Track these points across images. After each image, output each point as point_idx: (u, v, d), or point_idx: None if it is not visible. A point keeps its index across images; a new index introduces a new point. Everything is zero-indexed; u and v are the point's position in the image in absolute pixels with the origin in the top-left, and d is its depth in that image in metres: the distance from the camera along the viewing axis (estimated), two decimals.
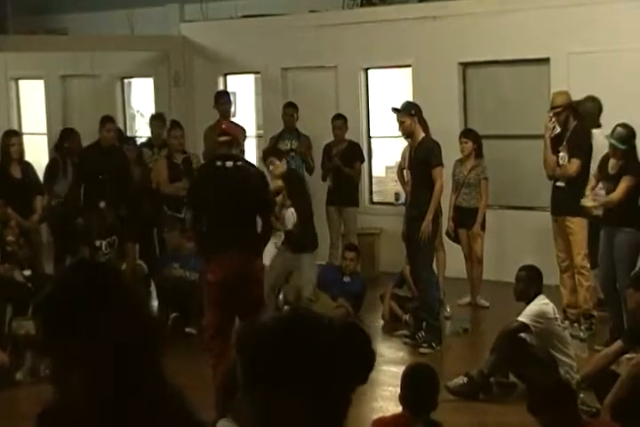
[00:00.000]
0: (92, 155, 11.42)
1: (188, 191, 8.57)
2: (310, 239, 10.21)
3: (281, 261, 10.17)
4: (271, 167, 9.94)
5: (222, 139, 7.92)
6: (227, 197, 7.59)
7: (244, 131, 12.13)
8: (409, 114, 9.44)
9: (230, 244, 7.51)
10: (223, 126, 8.43)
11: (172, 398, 2.34)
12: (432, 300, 9.62)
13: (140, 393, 2.25)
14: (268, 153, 10.50)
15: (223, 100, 12.61)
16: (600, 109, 10.08)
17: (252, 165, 8.37)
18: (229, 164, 7.71)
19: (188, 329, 10.07)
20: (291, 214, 9.91)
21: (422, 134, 9.51)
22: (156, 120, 12.80)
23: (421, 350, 9.41)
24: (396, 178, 11.99)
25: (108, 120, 11.58)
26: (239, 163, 7.82)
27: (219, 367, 7.38)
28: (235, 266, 7.49)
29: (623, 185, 9.04)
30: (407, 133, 9.63)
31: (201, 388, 7.96)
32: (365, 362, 2.09)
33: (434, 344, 9.46)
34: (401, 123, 9.53)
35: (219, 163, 7.78)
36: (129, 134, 15.28)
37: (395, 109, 9.58)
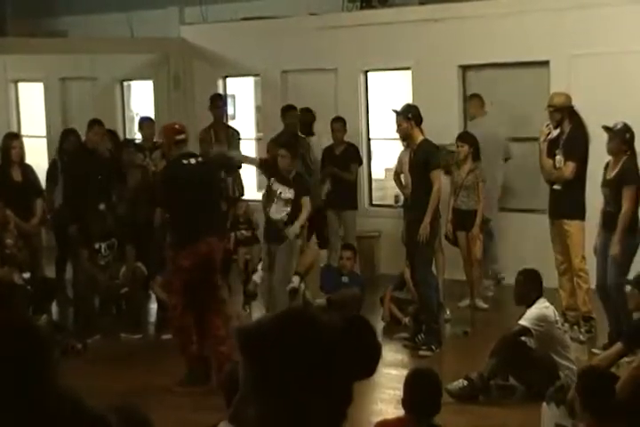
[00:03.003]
0: (79, 157, 11.36)
1: (160, 189, 8.91)
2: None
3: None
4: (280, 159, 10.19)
5: (180, 137, 8.45)
6: (198, 190, 8.28)
7: (237, 133, 12.17)
8: (406, 117, 9.46)
9: (205, 231, 8.26)
10: (176, 127, 8.74)
11: (66, 399, 2.35)
12: (431, 302, 9.62)
13: (35, 399, 2.25)
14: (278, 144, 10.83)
15: (219, 103, 12.63)
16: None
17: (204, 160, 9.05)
18: (193, 161, 8.44)
19: None
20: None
21: (421, 137, 9.51)
22: (145, 123, 12.78)
23: (421, 352, 9.41)
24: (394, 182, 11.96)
25: (97, 123, 11.47)
26: (199, 159, 8.60)
27: (190, 348, 8.31)
28: (207, 252, 8.22)
29: (627, 196, 9.00)
30: (404, 136, 9.65)
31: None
32: (371, 353, 2.08)
33: (433, 347, 9.46)
34: (398, 125, 9.55)
35: (185, 161, 8.40)
36: (128, 137, 15.26)
37: (394, 111, 9.60)
